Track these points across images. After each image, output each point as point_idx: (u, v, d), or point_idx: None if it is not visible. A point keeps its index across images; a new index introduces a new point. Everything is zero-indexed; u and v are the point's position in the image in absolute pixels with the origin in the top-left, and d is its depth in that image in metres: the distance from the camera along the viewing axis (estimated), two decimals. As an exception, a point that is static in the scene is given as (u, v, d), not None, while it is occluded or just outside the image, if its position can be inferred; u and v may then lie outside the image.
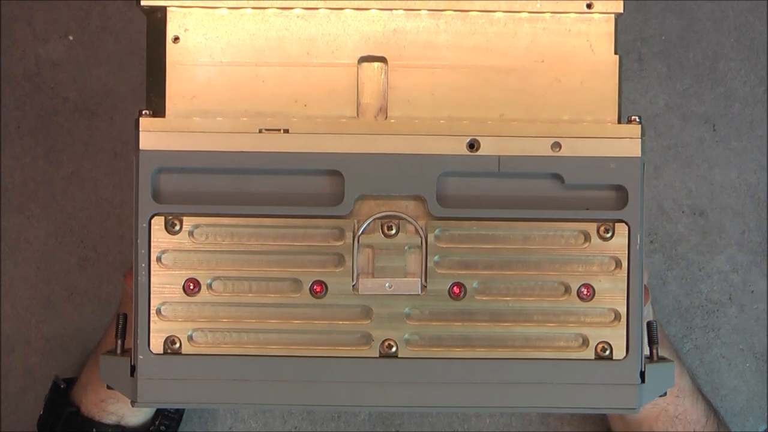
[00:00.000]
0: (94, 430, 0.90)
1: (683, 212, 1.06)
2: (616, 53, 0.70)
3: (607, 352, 0.70)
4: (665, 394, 0.73)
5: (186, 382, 0.70)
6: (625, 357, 0.70)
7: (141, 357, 0.69)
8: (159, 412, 0.95)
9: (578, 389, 0.70)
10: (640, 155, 0.69)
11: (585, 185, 0.70)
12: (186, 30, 0.70)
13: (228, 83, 0.70)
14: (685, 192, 1.06)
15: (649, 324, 0.73)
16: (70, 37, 1.06)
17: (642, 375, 0.70)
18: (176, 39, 0.70)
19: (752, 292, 1.06)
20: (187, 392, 0.70)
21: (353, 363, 0.69)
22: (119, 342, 0.73)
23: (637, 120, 0.69)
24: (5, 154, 1.05)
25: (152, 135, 0.69)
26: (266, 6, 0.70)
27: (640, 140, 0.69)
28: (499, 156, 0.69)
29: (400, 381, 0.69)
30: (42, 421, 0.94)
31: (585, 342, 0.70)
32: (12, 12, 1.06)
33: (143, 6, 0.70)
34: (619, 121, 0.70)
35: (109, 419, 0.90)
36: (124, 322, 0.73)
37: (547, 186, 0.70)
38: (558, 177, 0.69)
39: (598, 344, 0.70)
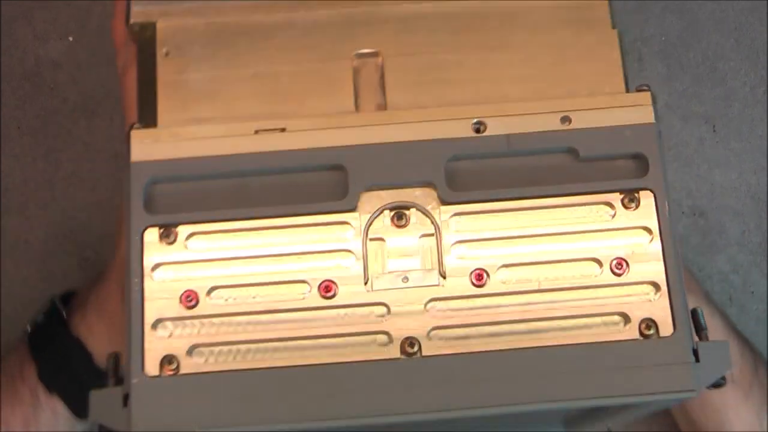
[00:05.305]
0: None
1: (683, 212, 1.06)
2: (614, 28, 0.68)
3: (652, 330, 0.62)
4: (724, 379, 0.63)
5: (187, 405, 0.61)
6: (673, 333, 0.62)
7: (135, 381, 0.61)
8: None
9: (626, 374, 0.61)
10: (654, 121, 0.65)
11: (602, 156, 0.65)
12: (176, 44, 0.68)
13: (221, 87, 0.67)
14: (685, 192, 1.06)
15: (693, 312, 0.64)
16: (70, 38, 1.06)
17: (695, 353, 0.62)
18: (167, 53, 0.68)
19: (752, 292, 1.06)
20: (189, 416, 0.61)
21: (374, 366, 0.61)
22: (112, 381, 0.63)
23: (647, 87, 0.66)
24: (5, 154, 1.04)
25: (144, 145, 0.65)
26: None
27: (652, 107, 0.65)
28: (508, 135, 0.65)
29: (428, 382, 0.61)
30: (35, 343, 0.85)
31: (627, 320, 0.62)
32: (12, 12, 1.05)
33: (132, 24, 0.68)
34: (627, 91, 0.67)
35: None
36: (116, 362, 0.64)
37: (563, 161, 0.65)
38: (573, 151, 0.65)
39: (641, 322, 0.62)
